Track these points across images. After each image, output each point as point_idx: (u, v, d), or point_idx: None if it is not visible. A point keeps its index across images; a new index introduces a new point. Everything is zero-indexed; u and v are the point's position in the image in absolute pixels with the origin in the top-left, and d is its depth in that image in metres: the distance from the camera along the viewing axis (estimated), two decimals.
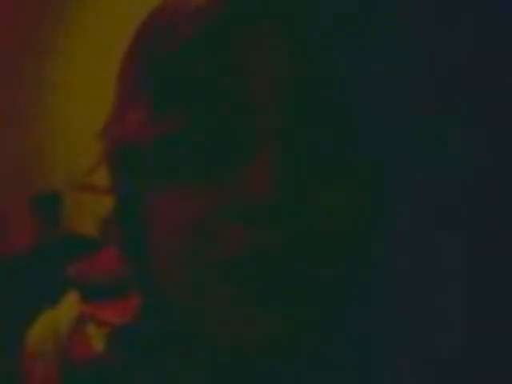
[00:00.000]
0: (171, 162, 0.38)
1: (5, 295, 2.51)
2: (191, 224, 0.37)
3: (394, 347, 0.41)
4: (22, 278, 2.62)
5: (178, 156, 0.38)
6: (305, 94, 0.37)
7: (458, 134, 0.41)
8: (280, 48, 0.37)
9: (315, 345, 0.39)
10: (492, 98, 0.41)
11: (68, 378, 0.53)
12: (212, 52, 0.37)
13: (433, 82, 0.41)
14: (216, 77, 0.37)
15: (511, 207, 0.41)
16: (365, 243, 0.38)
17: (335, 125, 0.38)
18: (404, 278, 0.41)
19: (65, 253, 2.42)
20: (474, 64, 0.41)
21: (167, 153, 0.39)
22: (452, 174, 0.41)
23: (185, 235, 0.38)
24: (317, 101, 0.37)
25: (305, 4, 0.38)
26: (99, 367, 0.48)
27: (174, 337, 0.45)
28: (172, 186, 0.38)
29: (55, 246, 2.77)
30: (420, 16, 0.42)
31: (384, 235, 0.40)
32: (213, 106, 0.37)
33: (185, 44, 0.37)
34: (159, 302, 0.44)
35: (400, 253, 0.41)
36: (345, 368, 0.42)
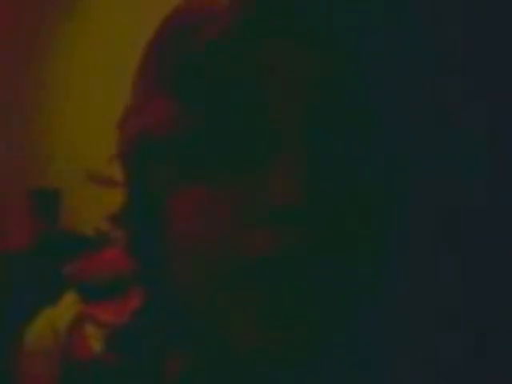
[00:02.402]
0: (190, 161, 0.38)
1: (3, 294, 2.51)
2: (208, 225, 0.37)
3: (394, 348, 0.41)
4: (21, 276, 2.61)
5: (197, 154, 0.38)
6: (326, 96, 0.37)
7: (472, 138, 0.41)
8: (303, 50, 0.37)
9: (330, 346, 0.39)
10: (502, 99, 0.41)
11: (66, 377, 0.53)
12: (238, 51, 0.37)
13: (446, 83, 0.41)
14: (241, 75, 0.37)
15: None
16: (380, 245, 0.38)
17: (353, 126, 0.38)
18: (414, 280, 0.41)
19: (63, 251, 2.42)
20: (491, 65, 0.41)
21: (187, 151, 0.38)
22: (462, 176, 0.41)
23: (201, 236, 0.37)
24: (337, 102, 0.37)
25: (328, 7, 0.38)
26: (97, 366, 0.47)
27: (174, 337, 0.44)
28: (189, 185, 0.38)
29: (54, 245, 2.77)
30: (444, 20, 0.42)
31: (397, 236, 0.40)
32: (236, 106, 0.37)
33: (210, 43, 0.38)
34: (163, 302, 0.44)
35: (411, 254, 0.41)
36: (352, 370, 0.42)
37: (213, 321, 0.38)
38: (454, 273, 0.41)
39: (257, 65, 0.37)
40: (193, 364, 0.43)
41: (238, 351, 0.38)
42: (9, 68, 3.68)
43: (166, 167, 0.40)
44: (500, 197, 0.41)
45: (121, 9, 3.06)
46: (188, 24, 0.39)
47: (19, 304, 2.22)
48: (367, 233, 0.38)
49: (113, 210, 0.46)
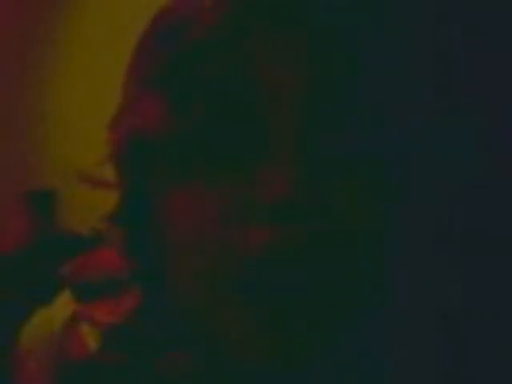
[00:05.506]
0: (179, 160, 0.38)
1: None
2: (204, 223, 0.37)
3: (396, 349, 0.41)
4: (16, 276, 2.62)
5: (186, 154, 0.38)
6: (319, 93, 0.37)
7: (469, 134, 0.41)
8: (293, 47, 0.37)
9: (327, 349, 0.38)
10: (499, 98, 0.41)
11: (62, 377, 0.53)
12: (227, 49, 0.37)
13: (443, 81, 0.41)
14: (231, 74, 0.37)
15: None
16: (377, 244, 0.38)
17: (349, 124, 0.38)
18: (413, 280, 0.41)
19: (59, 251, 2.42)
20: (480, 64, 0.41)
21: (176, 150, 0.38)
22: (460, 176, 0.41)
23: (198, 234, 0.37)
24: (331, 100, 0.37)
25: (318, 4, 0.38)
26: (93, 366, 0.47)
27: (172, 336, 0.44)
28: (185, 183, 0.38)
29: (49, 245, 2.77)
30: (427, 17, 0.42)
31: (395, 235, 0.40)
32: (228, 104, 0.37)
33: (200, 40, 0.38)
34: (160, 301, 0.43)
35: (408, 253, 0.41)
36: (355, 373, 0.42)
37: (211, 321, 0.38)
38: (454, 272, 0.41)
39: (244, 63, 0.37)
40: (192, 364, 0.43)
41: (236, 351, 0.37)
42: (7, 71, 3.68)
43: (156, 167, 0.40)
44: (501, 196, 0.41)
45: (121, 5, 3.06)
46: (175, 23, 0.39)
47: (15, 304, 2.21)
48: (364, 230, 0.37)
49: (108, 209, 0.46)
